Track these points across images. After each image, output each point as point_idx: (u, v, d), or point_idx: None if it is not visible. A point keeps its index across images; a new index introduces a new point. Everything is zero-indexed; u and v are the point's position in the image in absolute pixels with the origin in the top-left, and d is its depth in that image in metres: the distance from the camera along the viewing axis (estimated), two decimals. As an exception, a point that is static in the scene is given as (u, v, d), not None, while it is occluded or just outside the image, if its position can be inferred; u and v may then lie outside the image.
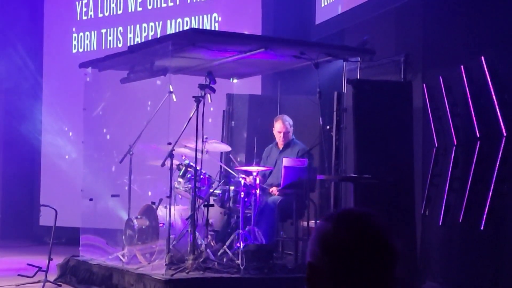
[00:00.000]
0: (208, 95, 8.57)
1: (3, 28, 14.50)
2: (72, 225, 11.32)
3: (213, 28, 12.39)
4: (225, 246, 8.48)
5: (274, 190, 8.98)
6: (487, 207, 7.84)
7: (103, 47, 13.78)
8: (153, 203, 8.95)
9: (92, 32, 14.15)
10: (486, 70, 7.94)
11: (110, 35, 13.92)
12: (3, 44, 14.44)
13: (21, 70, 14.28)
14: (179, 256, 8.32)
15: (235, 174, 9.07)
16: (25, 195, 14.87)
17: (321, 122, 8.69)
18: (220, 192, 8.79)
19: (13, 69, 14.26)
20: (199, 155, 8.41)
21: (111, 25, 13.91)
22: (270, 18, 12.02)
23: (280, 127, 9.29)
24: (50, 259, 8.95)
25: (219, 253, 8.47)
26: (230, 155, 9.91)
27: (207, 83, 8.60)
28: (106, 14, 14.03)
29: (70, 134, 13.69)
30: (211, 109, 9.38)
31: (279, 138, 9.32)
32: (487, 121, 8.05)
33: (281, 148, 9.36)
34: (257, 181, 8.61)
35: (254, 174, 8.64)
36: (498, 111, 7.75)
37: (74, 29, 14.41)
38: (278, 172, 9.16)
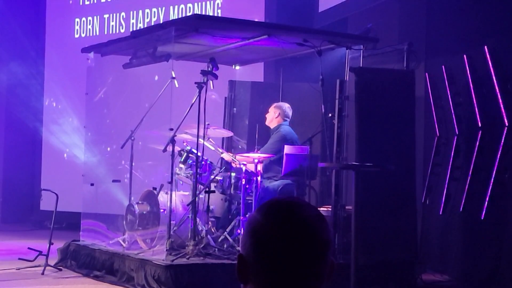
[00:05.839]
0: (210, 82, 8.57)
1: (6, 13, 14.47)
2: (73, 209, 11.33)
3: (216, 15, 12.37)
4: (225, 233, 8.50)
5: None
6: (487, 197, 7.85)
7: (106, 33, 13.77)
8: (154, 188, 8.96)
9: (95, 17, 14.13)
10: (489, 60, 7.93)
11: (112, 21, 13.90)
12: (5, 30, 14.42)
13: (23, 55, 14.26)
14: (179, 242, 8.34)
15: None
16: (26, 179, 14.89)
17: (323, 110, 8.68)
18: (221, 178, 8.80)
19: (15, 54, 14.25)
20: (200, 141, 8.42)
21: (113, 11, 13.88)
22: (273, 5, 12.00)
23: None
24: (50, 244, 8.96)
25: (219, 240, 8.49)
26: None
27: (209, 69, 8.60)
28: (109, -1, 14.02)
29: (72, 119, 13.68)
30: (213, 96, 9.37)
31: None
32: (489, 111, 8.05)
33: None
34: (258, 168, 8.62)
35: (256, 161, 8.64)
36: (500, 101, 7.74)
37: (76, 14, 14.38)
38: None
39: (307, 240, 1.74)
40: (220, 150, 9.11)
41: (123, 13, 13.73)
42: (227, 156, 8.95)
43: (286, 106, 9.40)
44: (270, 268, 1.74)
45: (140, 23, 13.44)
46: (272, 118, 9.33)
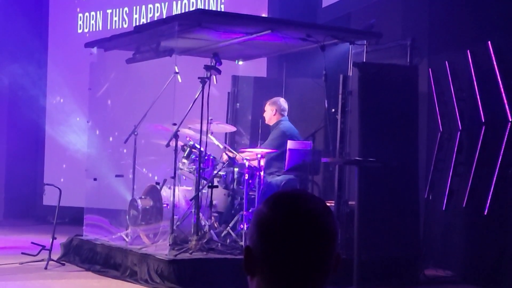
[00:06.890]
0: (214, 77, 8.57)
1: (8, 9, 14.47)
2: (76, 204, 11.34)
3: (219, 10, 12.36)
4: (228, 228, 8.50)
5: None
6: (491, 192, 7.85)
7: (109, 28, 13.77)
8: (157, 183, 8.97)
9: (98, 12, 14.13)
10: (492, 55, 7.93)
11: (115, 16, 13.90)
12: (8, 25, 14.42)
13: (26, 49, 14.26)
14: (182, 237, 8.35)
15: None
16: (29, 174, 14.90)
17: (326, 105, 8.68)
18: (224, 173, 8.81)
19: (18, 49, 14.25)
20: (203, 136, 8.42)
21: (116, 6, 13.88)
22: (276, 0, 11.99)
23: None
24: (53, 238, 8.98)
25: (222, 235, 8.50)
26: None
27: (212, 64, 8.60)
28: (112, -6, 14.02)
29: (75, 114, 13.68)
30: (215, 89, 9.37)
31: None
32: (492, 106, 8.04)
33: None
34: (261, 163, 8.62)
35: (259, 156, 8.64)
36: (503, 96, 7.74)
37: (79, 9, 14.38)
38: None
39: (313, 232, 1.75)
40: (222, 146, 9.10)
41: (126, 8, 13.73)
42: (230, 154, 8.94)
43: (281, 100, 9.37)
44: (276, 260, 1.75)
45: (143, 18, 13.45)
46: (270, 116, 9.32)
